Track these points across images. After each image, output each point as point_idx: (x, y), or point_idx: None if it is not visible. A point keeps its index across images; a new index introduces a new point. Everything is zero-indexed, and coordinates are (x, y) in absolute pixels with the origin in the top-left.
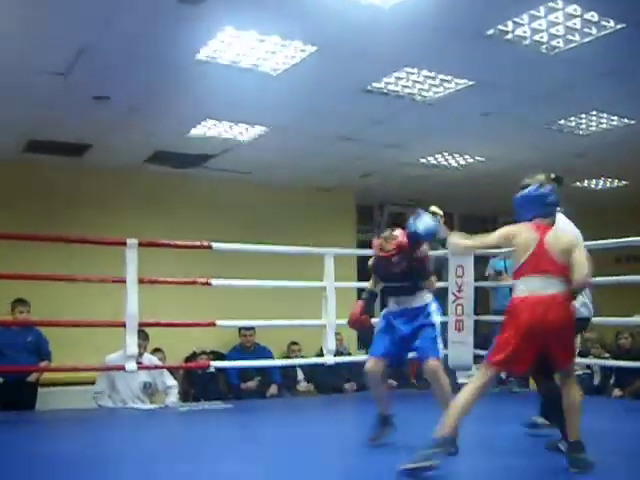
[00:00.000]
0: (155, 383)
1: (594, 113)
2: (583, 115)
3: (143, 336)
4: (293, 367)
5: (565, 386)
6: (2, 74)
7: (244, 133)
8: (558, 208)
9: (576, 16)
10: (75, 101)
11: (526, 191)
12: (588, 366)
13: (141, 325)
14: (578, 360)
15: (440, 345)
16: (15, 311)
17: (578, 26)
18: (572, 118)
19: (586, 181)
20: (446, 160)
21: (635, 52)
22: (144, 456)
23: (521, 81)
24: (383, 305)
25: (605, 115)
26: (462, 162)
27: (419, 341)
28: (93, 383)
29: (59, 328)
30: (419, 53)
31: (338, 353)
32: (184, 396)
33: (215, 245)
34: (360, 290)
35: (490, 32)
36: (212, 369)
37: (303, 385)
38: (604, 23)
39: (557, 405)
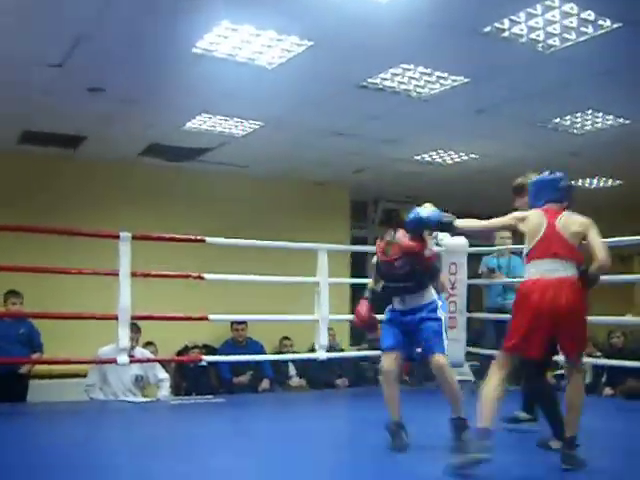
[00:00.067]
0: (147, 376)
1: (589, 112)
2: (578, 114)
3: (135, 329)
4: (285, 362)
5: (570, 378)
6: None
7: (239, 127)
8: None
9: (572, 15)
10: (70, 92)
11: (539, 176)
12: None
13: (133, 318)
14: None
15: (445, 340)
16: (8, 303)
17: (574, 25)
18: (567, 117)
19: (580, 180)
20: (441, 157)
21: (631, 52)
22: (136, 450)
23: (517, 79)
24: (386, 303)
25: (600, 114)
26: (457, 159)
27: (425, 336)
28: (85, 376)
29: (51, 320)
30: (415, 49)
31: (330, 349)
32: (176, 390)
33: (208, 239)
34: (353, 286)
35: (487, 30)
36: (204, 363)
37: (295, 380)
38: (600, 22)
39: (548, 403)
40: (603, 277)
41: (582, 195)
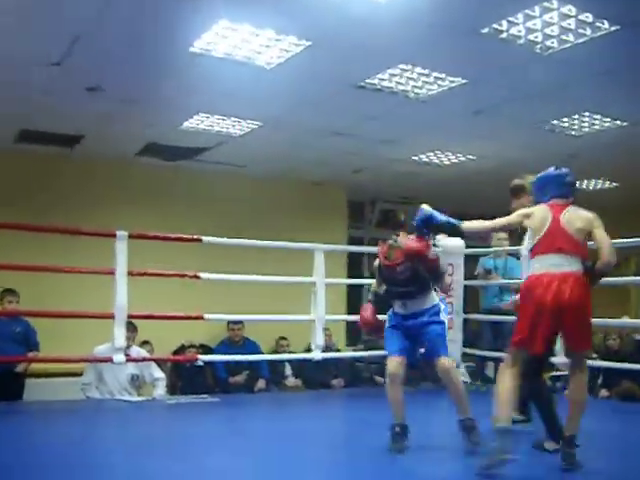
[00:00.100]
0: (143, 375)
1: (587, 114)
2: (576, 116)
3: (132, 328)
4: (281, 362)
5: (574, 376)
6: None
7: (237, 126)
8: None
9: (571, 16)
10: (68, 92)
11: (545, 172)
12: None
13: (130, 317)
14: (564, 360)
15: (447, 343)
16: (4, 301)
17: (573, 27)
18: (565, 119)
19: (578, 182)
20: (438, 158)
21: (629, 54)
22: (131, 449)
23: (514, 80)
24: (389, 305)
25: (598, 116)
26: (454, 160)
27: (429, 339)
28: (81, 374)
29: (48, 319)
30: (413, 50)
31: (326, 349)
32: (171, 389)
33: (205, 239)
34: (350, 287)
35: (485, 30)
36: (200, 362)
37: (291, 380)
38: (598, 24)
39: (545, 403)
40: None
41: (579, 197)
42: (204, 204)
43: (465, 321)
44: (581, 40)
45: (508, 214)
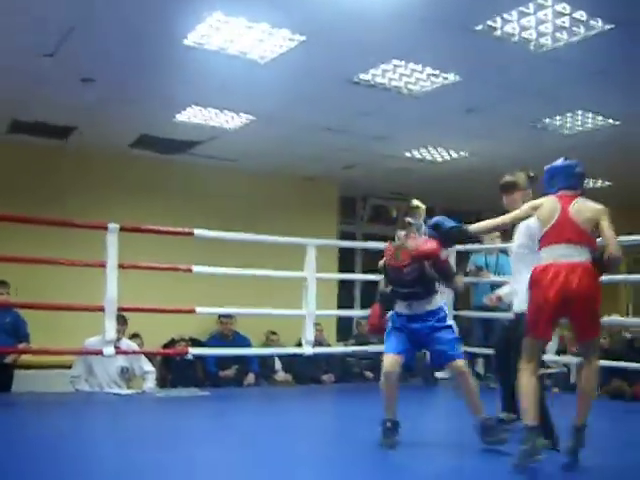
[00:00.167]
0: (132, 368)
1: (580, 113)
2: (569, 114)
3: (122, 321)
4: (271, 356)
5: (585, 364)
6: None
7: (230, 121)
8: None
9: (565, 14)
10: (61, 83)
11: (553, 163)
12: (565, 364)
13: (120, 310)
14: (555, 358)
15: (460, 346)
16: None
17: (567, 25)
18: (558, 117)
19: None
20: (431, 154)
21: (622, 53)
22: (121, 442)
23: (508, 78)
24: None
25: (591, 115)
26: (446, 157)
27: (441, 344)
28: (70, 367)
29: (38, 311)
30: (407, 46)
31: (317, 344)
32: (161, 382)
33: (197, 232)
34: (341, 282)
35: (479, 28)
36: (190, 356)
37: (281, 375)
38: (593, 23)
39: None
40: None
41: None
42: (197, 198)
43: (456, 318)
44: (574, 39)
45: (502, 211)
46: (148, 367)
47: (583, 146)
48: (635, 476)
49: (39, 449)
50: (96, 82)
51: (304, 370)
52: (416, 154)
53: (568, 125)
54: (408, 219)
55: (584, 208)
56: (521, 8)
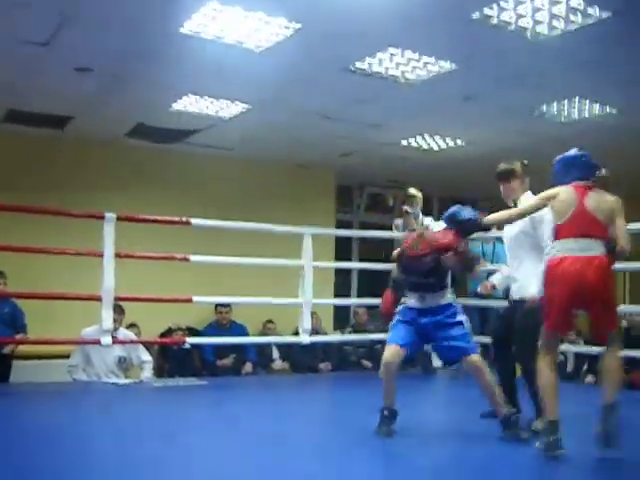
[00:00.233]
0: (130, 358)
1: (577, 101)
2: (565, 102)
3: (119, 311)
4: (269, 345)
5: (608, 351)
6: None
7: (226, 109)
8: (529, 191)
9: (561, 2)
10: (57, 72)
11: (566, 153)
12: (562, 352)
13: (117, 299)
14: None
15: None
16: None
17: (563, 13)
18: (554, 105)
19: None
20: (427, 142)
21: (619, 41)
22: (118, 432)
23: (504, 66)
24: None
25: (587, 103)
26: (443, 145)
27: (452, 340)
28: (68, 357)
29: (36, 301)
30: (404, 33)
31: (315, 332)
32: (158, 371)
33: (194, 221)
34: (338, 270)
35: (475, 16)
36: (187, 345)
37: (278, 364)
38: (590, 11)
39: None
40: None
41: None
42: (194, 188)
43: None
44: (571, 27)
45: (498, 200)
46: (145, 357)
47: (580, 134)
48: (629, 466)
49: (37, 439)
50: (92, 71)
51: (301, 359)
52: (413, 142)
53: (565, 113)
54: (405, 207)
55: (600, 200)
56: None
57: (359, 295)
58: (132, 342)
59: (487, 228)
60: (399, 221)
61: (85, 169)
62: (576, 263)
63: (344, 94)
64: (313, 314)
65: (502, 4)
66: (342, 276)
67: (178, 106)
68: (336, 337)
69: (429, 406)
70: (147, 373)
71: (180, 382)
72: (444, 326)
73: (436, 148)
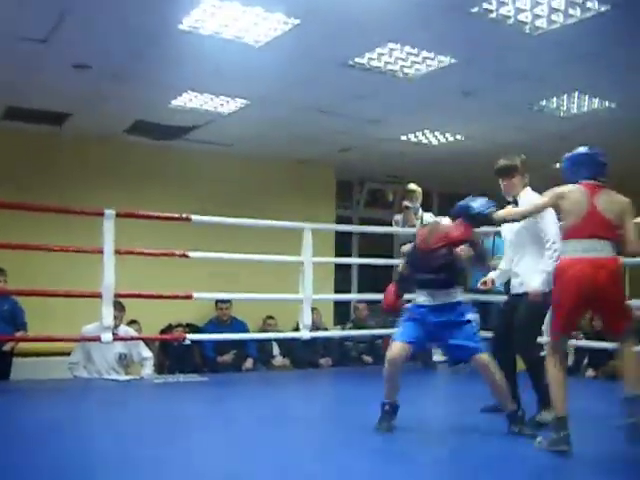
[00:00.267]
0: (131, 354)
1: (576, 95)
2: (564, 97)
3: (119, 307)
4: (269, 341)
5: (624, 346)
6: None
7: (225, 105)
8: (529, 187)
9: None
10: (55, 69)
11: (576, 151)
12: None
13: (117, 296)
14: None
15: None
16: None
17: (562, 7)
18: (553, 99)
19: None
20: (427, 138)
21: (618, 35)
22: (118, 428)
23: (503, 61)
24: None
25: (587, 97)
26: (442, 140)
27: (460, 339)
28: (69, 354)
29: (36, 298)
30: (403, 28)
31: (315, 328)
32: (159, 368)
33: (194, 217)
34: (338, 266)
35: (474, 10)
36: (188, 342)
37: (279, 359)
38: (589, 4)
39: (543, 374)
40: None
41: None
42: (193, 184)
43: None
44: (571, 21)
45: (498, 195)
46: (146, 353)
47: (580, 129)
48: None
49: (37, 436)
50: (90, 68)
51: (302, 354)
52: (412, 137)
53: (564, 108)
54: (405, 203)
55: (611, 201)
56: None
57: (359, 290)
58: (132, 339)
59: (497, 223)
60: (399, 216)
61: (84, 166)
62: (586, 266)
63: (343, 89)
64: (313, 310)
65: None
66: (342, 272)
67: (177, 102)
68: (336, 332)
69: (429, 401)
70: (148, 370)
71: (180, 378)
72: (453, 326)
73: (435, 143)
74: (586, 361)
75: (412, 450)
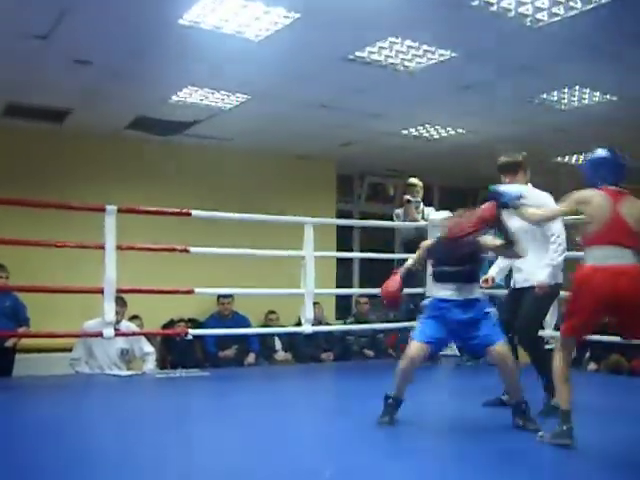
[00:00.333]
0: (132, 350)
1: (576, 88)
2: (565, 90)
3: (121, 303)
4: (271, 336)
5: None
6: None
7: (226, 99)
8: (530, 183)
9: None
10: (56, 65)
11: (596, 154)
12: None
13: (119, 291)
14: (554, 334)
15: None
16: None
17: None
18: (554, 93)
19: (567, 156)
20: (427, 131)
21: (619, 28)
22: (121, 423)
23: (505, 54)
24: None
25: (587, 91)
26: (443, 134)
27: (482, 330)
28: (70, 350)
29: (37, 294)
30: (403, 22)
31: (317, 322)
32: (161, 363)
33: (194, 212)
34: (339, 260)
35: (475, 3)
36: (190, 336)
37: (281, 354)
38: None
39: (549, 362)
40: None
41: (569, 171)
42: (194, 179)
43: None
44: (571, 13)
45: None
46: (148, 348)
47: (580, 122)
48: (630, 452)
49: (39, 432)
50: (91, 64)
51: (304, 349)
52: (413, 131)
53: (565, 101)
54: (407, 196)
55: (633, 207)
56: None
57: (361, 285)
58: (134, 334)
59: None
60: (400, 210)
61: (85, 162)
62: (607, 276)
63: (344, 84)
64: (315, 304)
65: None
66: (344, 266)
67: (178, 97)
68: (338, 327)
69: (432, 395)
70: (150, 365)
71: (182, 373)
72: (476, 323)
73: (436, 136)
74: (588, 354)
75: (414, 444)
